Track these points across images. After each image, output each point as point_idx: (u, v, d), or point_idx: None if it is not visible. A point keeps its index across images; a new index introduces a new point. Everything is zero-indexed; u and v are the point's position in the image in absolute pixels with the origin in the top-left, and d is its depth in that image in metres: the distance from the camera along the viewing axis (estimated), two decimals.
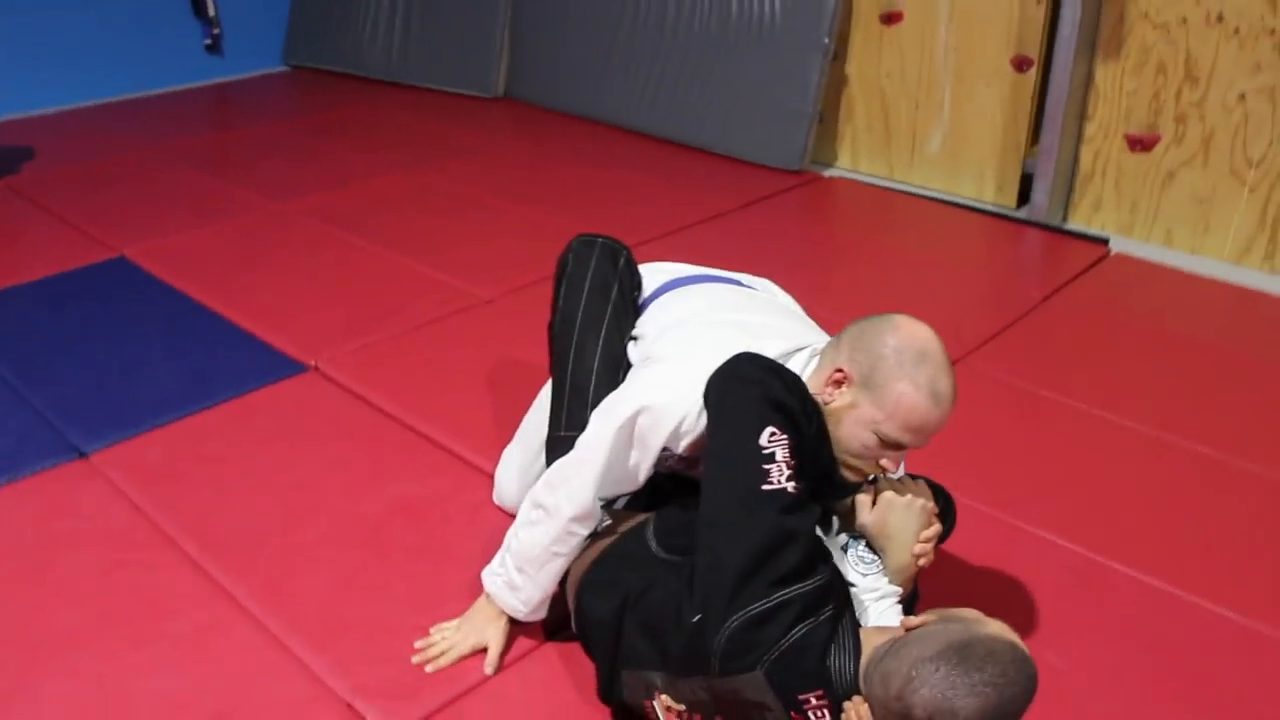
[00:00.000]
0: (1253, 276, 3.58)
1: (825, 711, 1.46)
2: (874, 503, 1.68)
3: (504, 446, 2.42)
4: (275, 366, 2.78)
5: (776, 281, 2.15)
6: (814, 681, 1.46)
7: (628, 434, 1.69)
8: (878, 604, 1.66)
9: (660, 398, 1.68)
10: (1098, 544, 2.20)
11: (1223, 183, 3.66)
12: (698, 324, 1.83)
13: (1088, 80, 3.80)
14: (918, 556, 1.67)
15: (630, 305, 1.94)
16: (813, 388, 1.64)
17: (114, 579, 2.05)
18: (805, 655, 1.46)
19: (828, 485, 1.68)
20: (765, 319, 1.86)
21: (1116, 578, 2.13)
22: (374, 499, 2.28)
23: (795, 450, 1.53)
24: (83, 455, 2.41)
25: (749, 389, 1.56)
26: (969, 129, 4.12)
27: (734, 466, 1.55)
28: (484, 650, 1.86)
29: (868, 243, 3.71)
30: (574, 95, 4.79)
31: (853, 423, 1.61)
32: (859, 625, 1.54)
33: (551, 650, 1.90)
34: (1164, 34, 3.63)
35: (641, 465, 1.72)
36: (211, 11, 5.33)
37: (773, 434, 1.53)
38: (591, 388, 1.84)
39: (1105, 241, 3.75)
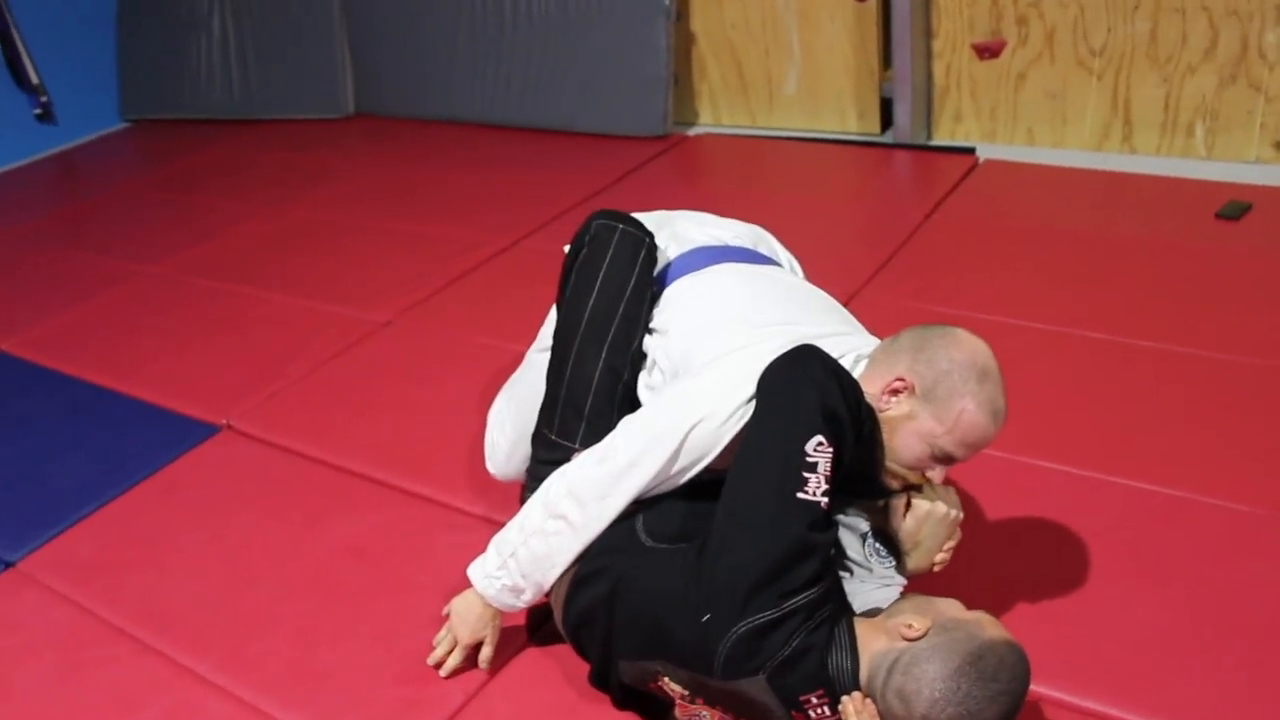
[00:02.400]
0: (1113, 159, 3.71)
1: (826, 708, 1.48)
2: (907, 508, 1.68)
3: (435, 469, 2.42)
4: (186, 433, 2.72)
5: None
6: (815, 683, 1.48)
7: (677, 449, 1.65)
8: (882, 590, 1.68)
9: (719, 410, 1.63)
10: (1021, 445, 2.24)
11: (1071, 75, 3.78)
12: (742, 330, 1.76)
13: None
14: (936, 563, 1.69)
15: (644, 309, 1.86)
16: (866, 392, 1.62)
17: (73, 682, 1.99)
18: (806, 658, 1.47)
19: (866, 487, 1.67)
20: (809, 319, 1.82)
21: (1044, 472, 2.21)
22: (316, 546, 2.25)
23: (835, 464, 1.51)
24: (10, 565, 2.34)
25: (808, 390, 1.52)
26: (821, 65, 4.17)
27: (773, 465, 1.52)
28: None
29: (744, 193, 3.75)
30: (427, 100, 4.73)
31: (909, 433, 1.60)
32: (853, 619, 1.55)
33: (534, 655, 1.91)
34: None
35: (686, 475, 1.68)
36: (34, 79, 5.11)
37: (820, 444, 1.50)
38: (589, 402, 1.80)
39: (972, 151, 3.85)
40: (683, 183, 3.93)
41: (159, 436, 2.72)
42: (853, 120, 4.20)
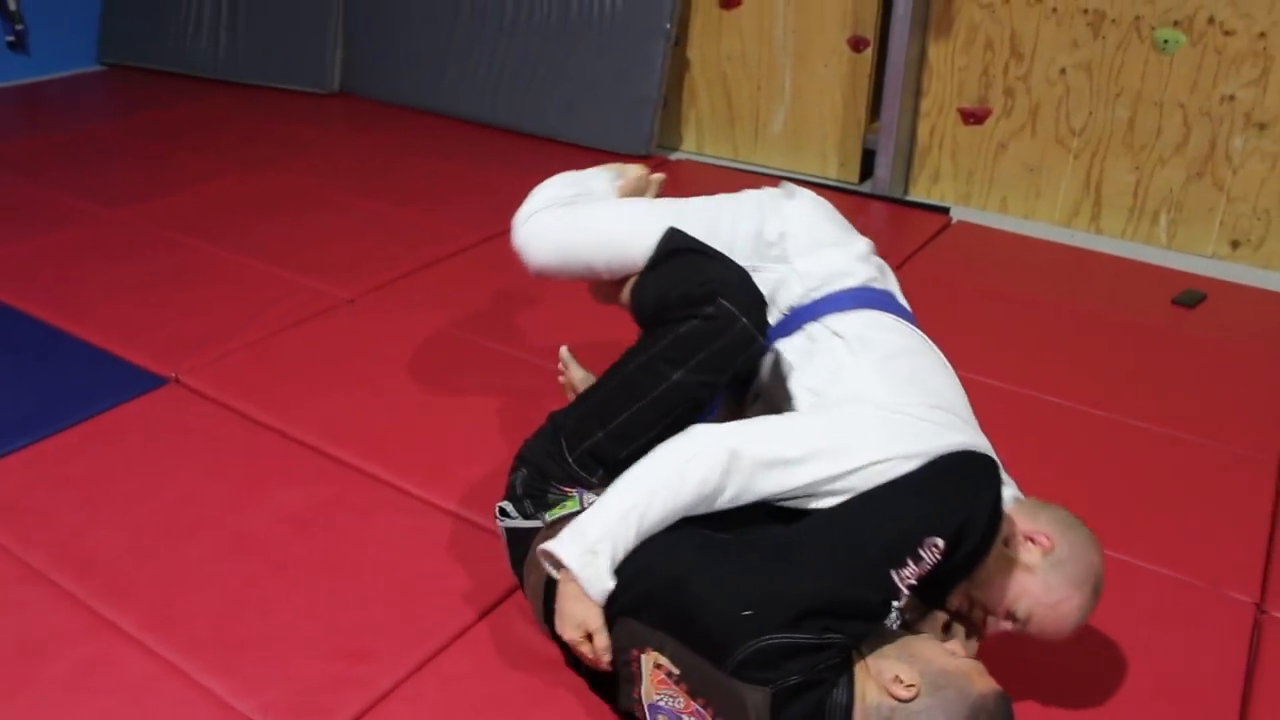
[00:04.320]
0: (1080, 237, 3.81)
1: None
2: (945, 628, 1.71)
3: (387, 449, 2.40)
4: (132, 381, 2.66)
5: None
6: (809, 718, 1.48)
7: (845, 473, 1.63)
8: None
9: (893, 467, 1.61)
10: None
11: (1050, 151, 3.86)
12: (932, 404, 1.74)
13: (921, 58, 3.94)
14: None
15: (719, 399, 1.83)
16: (1010, 526, 1.67)
17: None
18: (812, 692, 1.47)
19: (933, 589, 1.65)
20: (972, 421, 1.81)
21: None
22: (257, 511, 2.21)
23: (935, 568, 1.54)
24: None
25: (963, 503, 1.56)
26: (810, 108, 4.22)
27: (893, 533, 1.54)
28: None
29: None
30: (413, 88, 4.70)
31: (1014, 580, 1.64)
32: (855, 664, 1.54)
33: (473, 643, 1.88)
34: (990, 13, 3.79)
35: (818, 499, 1.67)
36: (12, 5, 5.00)
37: (936, 545, 1.53)
38: (622, 455, 1.73)
39: (946, 211, 3.91)
40: None
41: (103, 382, 2.66)
42: (834, 166, 4.24)
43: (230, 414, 2.54)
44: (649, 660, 1.59)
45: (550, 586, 1.69)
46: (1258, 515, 2.30)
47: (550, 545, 1.64)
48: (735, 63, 4.31)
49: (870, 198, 4.02)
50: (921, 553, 1.52)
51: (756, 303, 1.76)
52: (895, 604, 1.55)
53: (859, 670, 1.50)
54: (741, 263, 1.82)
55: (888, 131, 3.93)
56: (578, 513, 1.72)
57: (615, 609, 1.62)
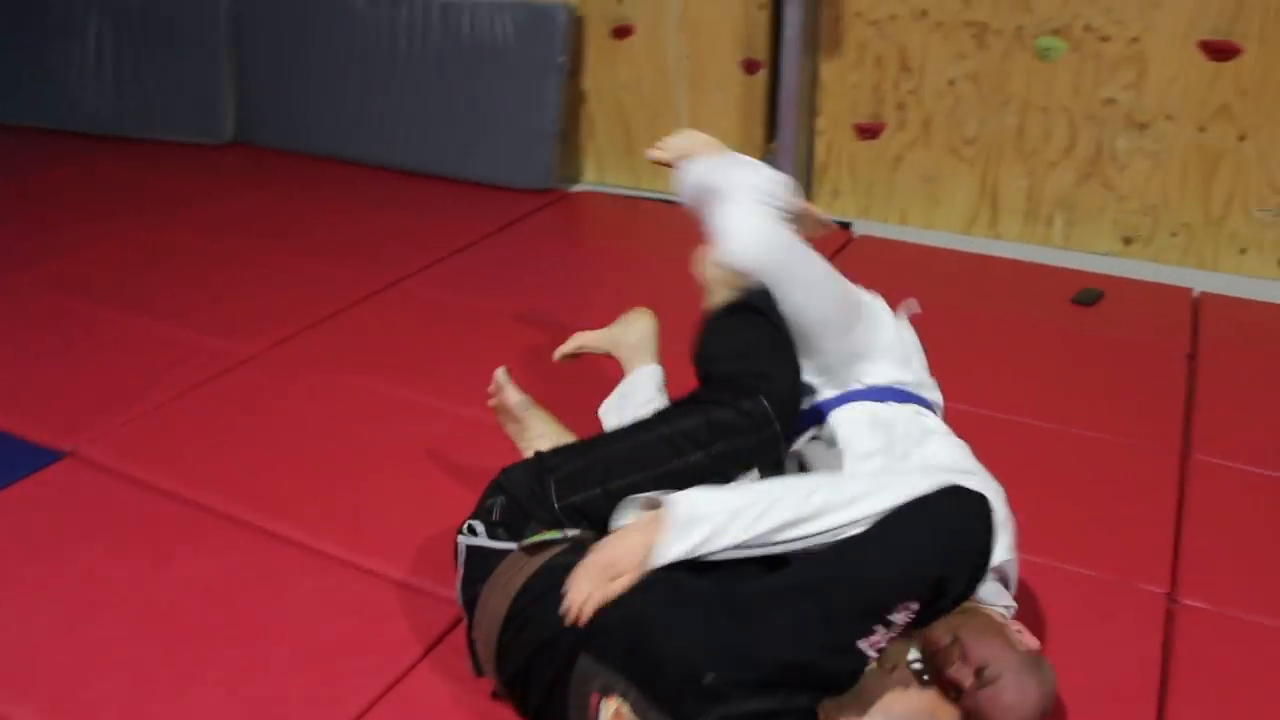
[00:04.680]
0: (979, 243, 3.88)
1: None
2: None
3: (296, 509, 2.35)
4: (26, 457, 2.56)
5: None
6: None
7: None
8: None
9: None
10: None
11: (944, 162, 3.93)
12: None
13: (814, 77, 3.99)
14: None
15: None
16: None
17: None
18: None
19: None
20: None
21: None
22: (164, 584, 2.15)
23: (911, 622, 1.52)
24: None
25: (957, 543, 1.56)
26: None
27: (860, 600, 1.50)
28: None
29: (622, 252, 3.78)
30: (310, 134, 4.65)
31: (1001, 646, 1.60)
32: None
33: (389, 706, 1.84)
34: (878, 30, 3.85)
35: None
36: None
37: (909, 608, 1.50)
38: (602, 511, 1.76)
39: (848, 225, 3.95)
40: (562, 238, 3.94)
41: None
42: None
43: (133, 485, 2.47)
44: (610, 707, 1.55)
45: (512, 614, 1.66)
46: (1164, 506, 2.35)
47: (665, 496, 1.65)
48: (631, 91, 4.33)
49: None
50: (893, 618, 1.49)
51: (792, 411, 1.83)
52: (862, 669, 1.53)
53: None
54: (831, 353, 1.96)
55: (785, 151, 3.97)
56: (559, 540, 1.71)
57: (577, 638, 1.58)
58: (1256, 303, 3.43)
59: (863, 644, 1.48)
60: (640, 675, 1.52)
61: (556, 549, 1.72)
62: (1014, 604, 1.79)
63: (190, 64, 4.80)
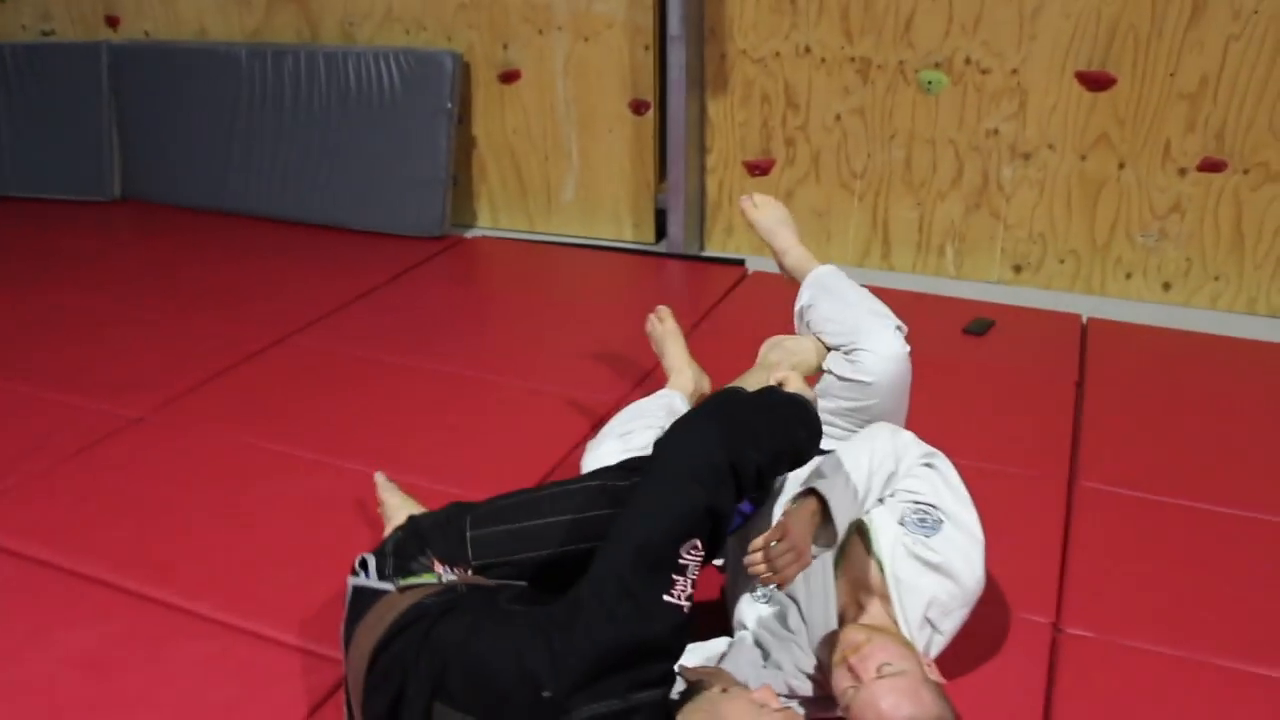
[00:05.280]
0: (873, 275, 3.91)
1: None
2: None
3: (180, 574, 2.29)
4: None
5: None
6: None
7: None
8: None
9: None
10: None
11: (835, 195, 3.98)
12: None
13: (702, 116, 4.03)
14: None
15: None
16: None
17: None
18: None
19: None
20: None
21: None
22: (40, 657, 2.07)
23: (705, 562, 1.54)
24: None
25: (696, 488, 1.57)
26: (599, 174, 4.26)
27: (645, 560, 1.52)
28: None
29: (518, 296, 3.77)
30: (197, 189, 4.57)
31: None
32: None
33: None
34: (763, 68, 3.91)
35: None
36: None
37: (694, 546, 1.52)
38: (518, 558, 1.81)
39: (742, 262, 3.98)
40: (456, 284, 3.91)
41: None
42: (629, 229, 4.29)
43: (9, 557, 2.38)
44: None
45: (377, 653, 1.64)
46: (1050, 536, 2.38)
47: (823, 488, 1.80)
48: (521, 135, 4.33)
49: (667, 257, 4.07)
50: (683, 561, 1.51)
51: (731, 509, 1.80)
52: (687, 625, 1.54)
53: None
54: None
55: (676, 190, 4.00)
56: (433, 584, 1.71)
57: (430, 686, 1.56)
58: (1142, 327, 3.51)
59: (668, 598, 1.50)
60: (491, 711, 1.50)
61: (428, 590, 1.71)
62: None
63: (73, 121, 4.70)
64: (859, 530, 1.90)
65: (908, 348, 2.21)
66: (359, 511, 2.46)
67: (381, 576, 1.77)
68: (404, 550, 1.80)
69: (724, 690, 1.58)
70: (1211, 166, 3.55)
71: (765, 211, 2.54)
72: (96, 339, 3.44)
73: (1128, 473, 2.62)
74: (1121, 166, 3.64)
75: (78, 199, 4.75)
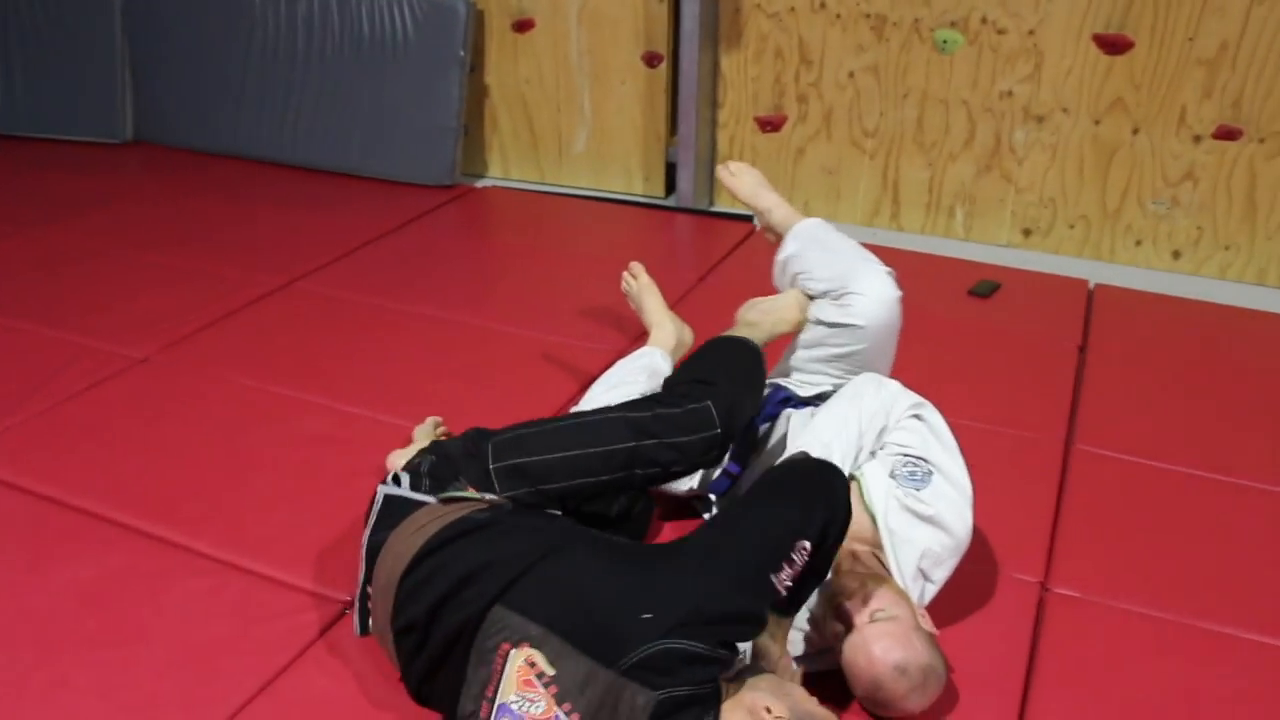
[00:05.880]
0: (882, 235, 3.91)
1: None
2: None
3: (181, 511, 2.32)
4: None
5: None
6: None
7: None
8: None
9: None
10: None
11: (846, 154, 3.96)
12: None
13: (715, 70, 4.01)
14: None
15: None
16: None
17: None
18: (690, 708, 1.49)
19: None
20: None
21: None
22: (39, 590, 2.10)
23: (806, 569, 1.66)
24: None
25: (832, 496, 1.72)
26: (611, 126, 4.25)
27: (766, 540, 1.65)
28: None
29: (527, 247, 3.77)
30: (210, 133, 4.57)
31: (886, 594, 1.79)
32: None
33: (265, 702, 1.83)
34: (777, 22, 3.88)
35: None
36: None
37: (804, 548, 1.65)
38: (546, 488, 1.88)
39: (750, 219, 3.97)
40: (466, 233, 3.92)
41: None
42: (639, 182, 4.28)
43: (12, 491, 2.41)
44: (519, 656, 1.57)
45: (420, 558, 1.70)
46: (1044, 497, 2.39)
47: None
48: (533, 86, 4.32)
49: (676, 210, 4.06)
50: (794, 556, 1.63)
51: (738, 423, 1.96)
52: (773, 608, 1.65)
53: (727, 703, 1.53)
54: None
55: (686, 144, 3.99)
56: (473, 499, 1.79)
57: (495, 590, 1.62)
58: (1149, 294, 3.50)
59: (774, 580, 1.62)
60: (564, 619, 1.57)
61: (475, 506, 1.78)
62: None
63: (87, 62, 4.69)
64: (853, 483, 1.92)
65: (899, 292, 2.22)
66: (360, 454, 2.48)
67: (416, 490, 1.84)
68: (439, 474, 1.86)
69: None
70: (1227, 135, 3.52)
71: (743, 177, 2.55)
72: (104, 280, 3.45)
73: (1125, 438, 2.62)
74: (1135, 132, 3.62)
75: (90, 140, 4.75)
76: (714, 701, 1.51)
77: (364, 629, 1.82)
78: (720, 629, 1.55)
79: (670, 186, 4.22)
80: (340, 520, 2.26)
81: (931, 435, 1.99)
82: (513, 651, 1.57)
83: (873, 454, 1.99)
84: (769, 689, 1.54)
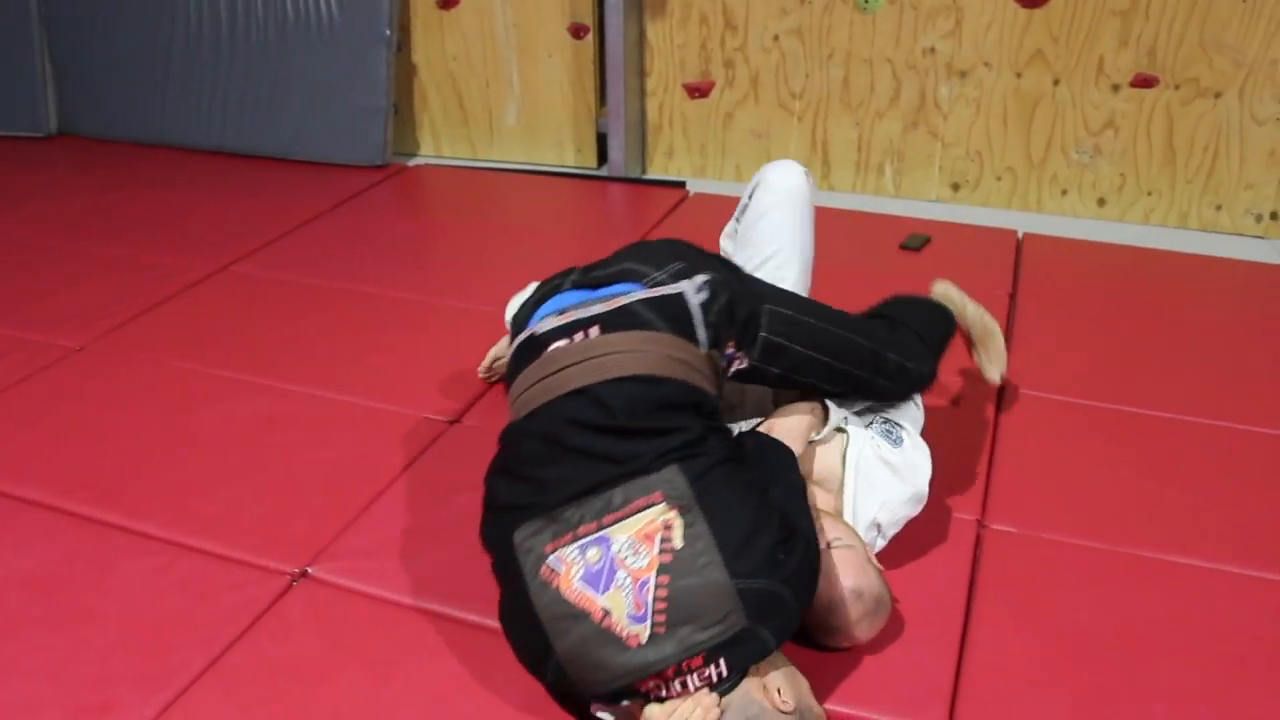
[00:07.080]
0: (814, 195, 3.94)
1: (692, 682, 1.54)
2: None
3: (124, 495, 2.31)
4: None
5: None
6: (714, 662, 1.55)
7: None
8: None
9: None
10: None
11: (774, 116, 4.00)
12: None
13: (641, 39, 4.03)
14: None
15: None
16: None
17: None
18: (743, 644, 1.55)
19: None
20: None
21: None
22: None
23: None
24: None
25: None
26: (540, 99, 4.26)
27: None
28: None
29: (462, 223, 3.77)
30: (135, 122, 4.51)
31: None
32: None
33: (215, 677, 1.83)
34: None
35: None
36: None
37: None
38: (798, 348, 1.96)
39: (683, 185, 4.01)
40: (400, 212, 3.91)
41: None
42: (571, 154, 4.30)
43: None
44: (662, 514, 1.56)
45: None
46: (978, 439, 2.45)
47: None
48: (461, 62, 4.31)
49: (609, 180, 4.08)
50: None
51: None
52: None
53: (751, 673, 1.57)
54: None
55: (616, 114, 4.01)
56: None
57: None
58: (1077, 241, 3.58)
59: None
60: (719, 521, 1.58)
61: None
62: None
63: (4, 55, 4.61)
64: (839, 435, 1.99)
65: (804, 178, 2.36)
66: (303, 430, 2.49)
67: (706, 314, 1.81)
68: (715, 292, 1.84)
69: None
70: (1144, 83, 3.60)
71: None
72: (36, 272, 3.41)
73: (1056, 379, 2.69)
74: (1056, 84, 3.69)
75: (13, 135, 4.67)
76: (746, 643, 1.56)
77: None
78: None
79: (602, 157, 4.24)
80: (284, 494, 2.27)
81: (915, 408, 2.16)
82: (661, 506, 1.56)
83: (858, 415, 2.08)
84: (786, 675, 1.60)
